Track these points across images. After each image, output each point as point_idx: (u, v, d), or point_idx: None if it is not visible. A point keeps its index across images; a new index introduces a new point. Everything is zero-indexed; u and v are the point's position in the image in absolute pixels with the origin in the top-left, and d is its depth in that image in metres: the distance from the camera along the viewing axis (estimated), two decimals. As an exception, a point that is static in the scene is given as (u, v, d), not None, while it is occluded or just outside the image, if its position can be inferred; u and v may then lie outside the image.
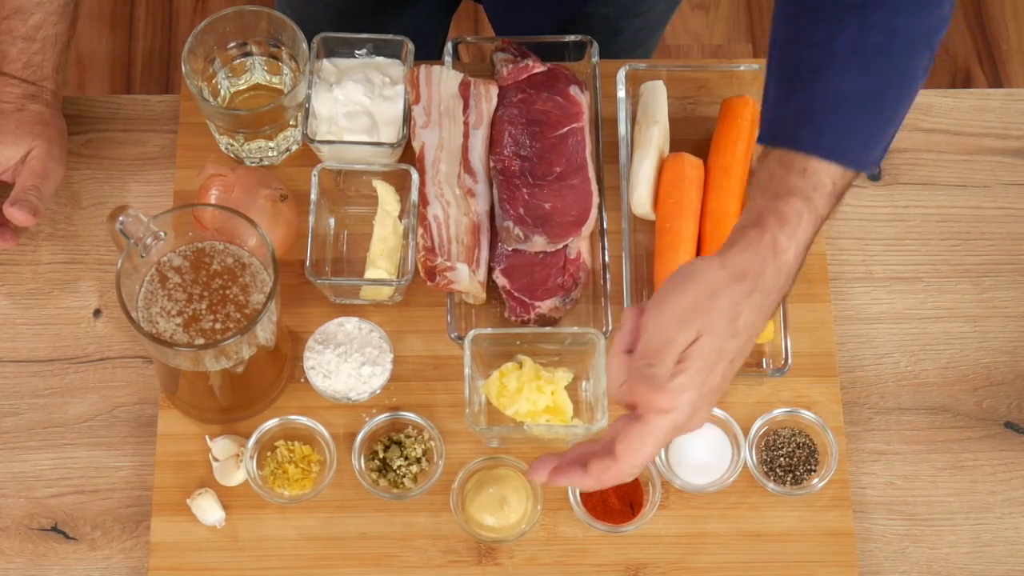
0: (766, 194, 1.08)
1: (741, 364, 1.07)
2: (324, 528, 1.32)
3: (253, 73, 1.44)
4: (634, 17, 1.64)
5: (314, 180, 1.36)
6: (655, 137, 1.41)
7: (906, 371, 1.40)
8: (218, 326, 1.21)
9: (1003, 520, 1.35)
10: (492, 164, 1.39)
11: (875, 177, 1.47)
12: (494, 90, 1.42)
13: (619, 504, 1.31)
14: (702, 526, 1.33)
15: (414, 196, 1.36)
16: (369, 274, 1.36)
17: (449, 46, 1.44)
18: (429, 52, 1.64)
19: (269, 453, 1.33)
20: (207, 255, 1.24)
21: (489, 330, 1.32)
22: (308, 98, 1.39)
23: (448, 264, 1.33)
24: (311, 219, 1.36)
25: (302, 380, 1.36)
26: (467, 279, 1.34)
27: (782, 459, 1.33)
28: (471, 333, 1.30)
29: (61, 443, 1.35)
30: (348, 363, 1.33)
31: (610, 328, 1.34)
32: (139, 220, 1.20)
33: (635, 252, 1.40)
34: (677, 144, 1.44)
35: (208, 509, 1.31)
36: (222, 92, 1.43)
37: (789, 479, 1.33)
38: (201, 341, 1.21)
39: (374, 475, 1.32)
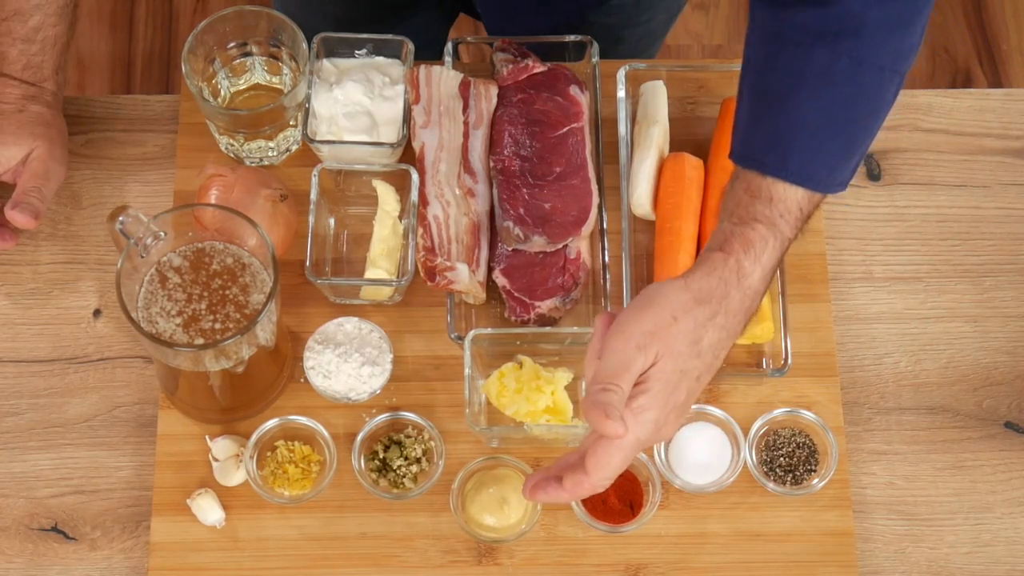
0: (732, 219, 1.10)
1: (709, 379, 1.10)
2: (324, 528, 1.32)
3: (253, 73, 1.44)
4: (635, 27, 1.64)
5: (314, 180, 1.36)
6: (655, 137, 1.41)
7: (906, 371, 1.40)
8: (218, 326, 1.21)
9: (1003, 520, 1.35)
10: (492, 164, 1.39)
11: (875, 177, 1.47)
12: (494, 90, 1.42)
13: (619, 504, 1.31)
14: (702, 526, 1.33)
15: (414, 196, 1.36)
16: (369, 274, 1.36)
17: (449, 46, 1.44)
18: (429, 60, 1.64)
19: (269, 453, 1.33)
20: (207, 255, 1.24)
21: (489, 330, 1.32)
22: (308, 98, 1.39)
23: (448, 264, 1.33)
24: (311, 219, 1.36)
25: (302, 380, 1.36)
26: (467, 279, 1.34)
27: (782, 459, 1.33)
28: (471, 333, 1.30)
29: (61, 443, 1.35)
30: (348, 363, 1.33)
31: (610, 328, 1.34)
32: (139, 220, 1.20)
33: (635, 252, 1.40)
34: (677, 144, 1.44)
35: (208, 509, 1.31)
36: (222, 92, 1.43)
37: (789, 479, 1.33)
38: (201, 341, 1.21)
39: (374, 475, 1.32)
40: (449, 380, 1.36)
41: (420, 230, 1.35)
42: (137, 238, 1.20)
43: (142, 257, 1.22)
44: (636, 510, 1.31)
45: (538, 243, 1.35)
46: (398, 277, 1.36)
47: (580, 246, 1.37)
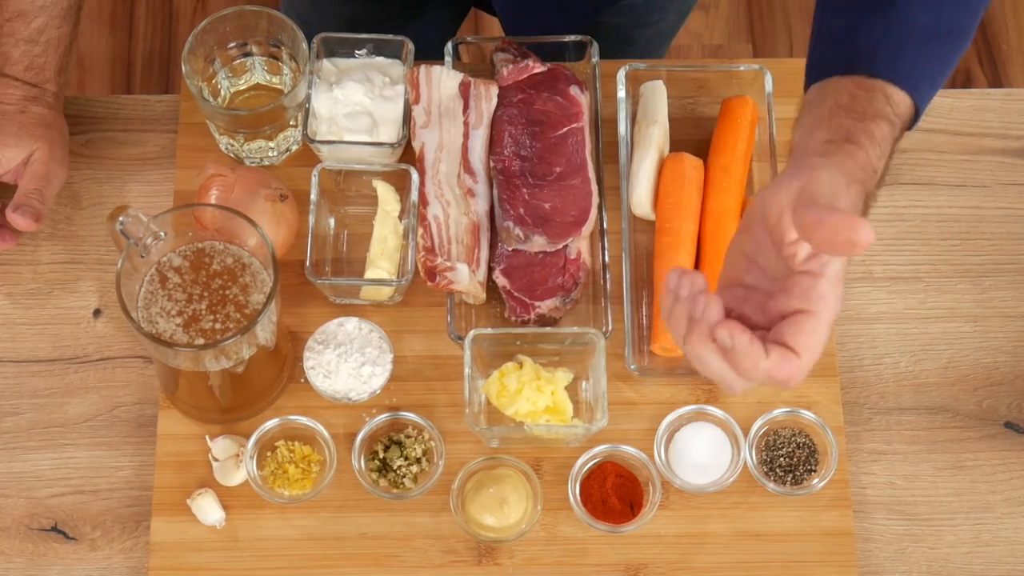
0: (852, 115, 1.00)
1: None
2: (324, 528, 1.32)
3: (253, 73, 1.44)
4: (645, 27, 1.64)
5: (314, 180, 1.36)
6: (655, 137, 1.42)
7: (906, 371, 1.40)
8: (218, 326, 1.21)
9: (1003, 520, 1.35)
10: (492, 164, 1.39)
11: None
12: (494, 90, 1.42)
13: (619, 504, 1.31)
14: (702, 526, 1.33)
15: (414, 196, 1.36)
16: (369, 274, 1.36)
17: (449, 46, 1.44)
18: (438, 59, 1.63)
19: (269, 453, 1.33)
20: (207, 255, 1.24)
21: (489, 330, 1.32)
22: (308, 98, 1.39)
23: (448, 264, 1.33)
24: (311, 219, 1.36)
25: (302, 380, 1.36)
26: (467, 279, 1.34)
27: (782, 459, 1.34)
28: (471, 333, 1.30)
29: (61, 443, 1.35)
30: (348, 363, 1.33)
31: (610, 328, 1.34)
32: (139, 220, 1.20)
33: (635, 252, 1.40)
34: (677, 144, 1.44)
35: (208, 509, 1.31)
36: (222, 92, 1.43)
37: (789, 479, 1.33)
38: (201, 341, 1.21)
39: (374, 475, 1.32)
40: (449, 380, 1.36)
41: (420, 230, 1.35)
42: (137, 238, 1.20)
43: (142, 257, 1.22)
44: (636, 510, 1.31)
45: (538, 243, 1.35)
46: (398, 277, 1.36)
47: (580, 246, 1.37)
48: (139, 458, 1.35)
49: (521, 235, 1.35)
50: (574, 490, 1.31)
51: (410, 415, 1.33)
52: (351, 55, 1.43)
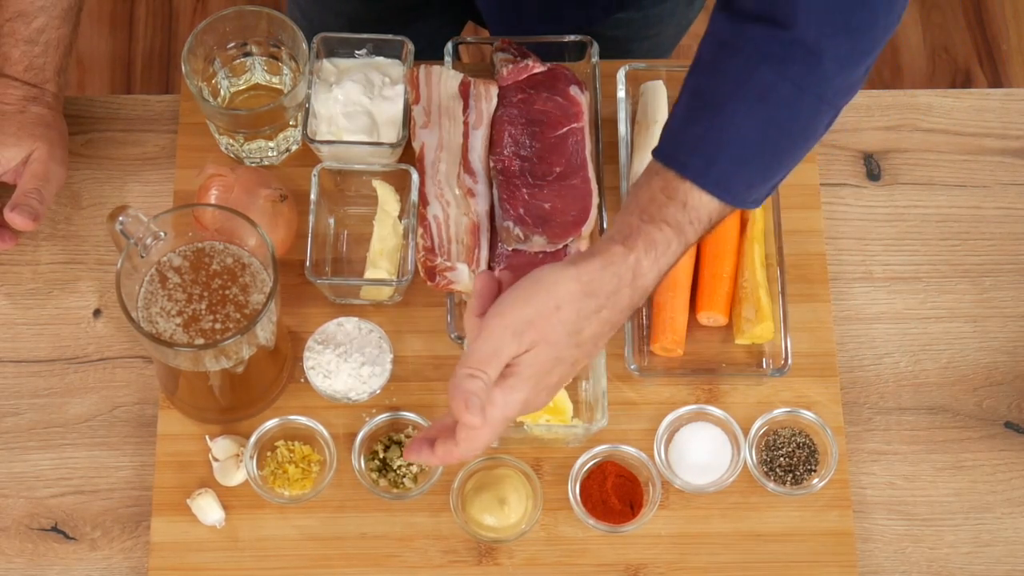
0: (642, 216, 1.09)
1: (585, 363, 1.11)
2: (324, 528, 1.32)
3: (253, 73, 1.44)
4: (643, 40, 1.64)
5: (314, 180, 1.36)
6: (655, 137, 1.41)
7: (906, 371, 1.40)
8: (218, 326, 1.21)
9: (1003, 520, 1.35)
10: (492, 164, 1.39)
11: (875, 177, 1.47)
12: (494, 90, 1.42)
13: (619, 504, 1.31)
14: (702, 526, 1.33)
15: (414, 196, 1.36)
16: (369, 274, 1.36)
17: (449, 46, 1.44)
18: (431, 61, 1.63)
19: (269, 453, 1.33)
20: (207, 255, 1.24)
21: (489, 330, 1.32)
22: (308, 98, 1.39)
23: (448, 264, 1.33)
24: (311, 219, 1.36)
25: (302, 380, 1.36)
26: (467, 279, 1.34)
27: (782, 459, 1.33)
28: (471, 333, 1.30)
29: (61, 443, 1.35)
30: (348, 363, 1.33)
31: (610, 328, 1.34)
32: (139, 220, 1.20)
33: (635, 252, 1.40)
34: (677, 144, 1.44)
35: (208, 509, 1.31)
36: (222, 92, 1.43)
37: (789, 479, 1.33)
38: (201, 341, 1.21)
39: (374, 475, 1.32)
40: (449, 380, 1.36)
41: (420, 230, 1.35)
42: (137, 238, 1.20)
43: (142, 257, 1.22)
44: (636, 510, 1.31)
45: (538, 243, 1.35)
46: (398, 277, 1.36)
47: (580, 246, 1.37)
48: (139, 458, 1.35)
49: (521, 235, 1.35)
50: (574, 490, 1.31)
51: (410, 415, 1.33)
52: (351, 55, 1.43)
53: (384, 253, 1.36)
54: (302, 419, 1.32)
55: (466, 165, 1.38)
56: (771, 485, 1.32)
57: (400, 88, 1.41)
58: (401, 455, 1.32)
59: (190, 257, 1.24)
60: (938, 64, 2.58)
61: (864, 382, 1.39)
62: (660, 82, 1.44)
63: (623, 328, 1.35)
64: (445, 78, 1.41)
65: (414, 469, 1.32)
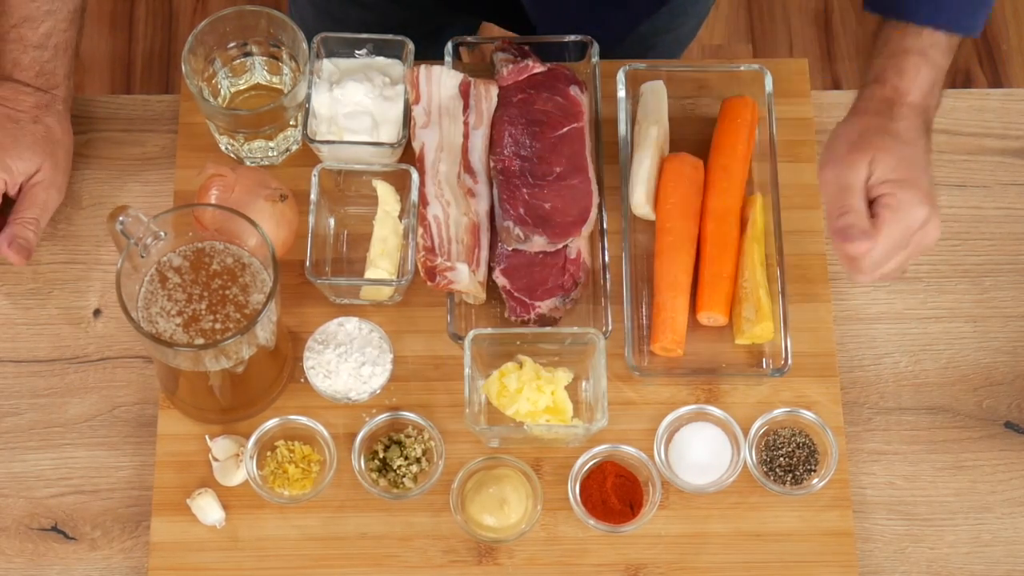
0: (883, 54, 1.24)
1: (930, 151, 1.24)
2: (324, 528, 1.32)
3: (253, 73, 1.44)
4: (668, 32, 1.65)
5: (314, 180, 1.36)
6: (655, 137, 1.42)
7: (906, 371, 1.40)
8: (218, 326, 1.21)
9: (1003, 520, 1.35)
10: (492, 164, 1.39)
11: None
12: (494, 90, 1.42)
13: (619, 504, 1.31)
14: (702, 526, 1.33)
15: (414, 196, 1.36)
16: (369, 274, 1.36)
17: (449, 46, 1.44)
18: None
19: (269, 453, 1.33)
20: (207, 255, 1.24)
21: (489, 330, 1.32)
22: (308, 98, 1.39)
23: (448, 264, 1.33)
24: (311, 219, 1.36)
25: (302, 380, 1.36)
26: (467, 279, 1.34)
27: (782, 459, 1.33)
28: (471, 333, 1.30)
29: (61, 443, 1.35)
30: (348, 363, 1.33)
31: (610, 328, 1.34)
32: (139, 220, 1.20)
33: (635, 252, 1.40)
34: (677, 144, 1.44)
35: (208, 509, 1.31)
36: (222, 92, 1.43)
37: (789, 479, 1.33)
38: (201, 341, 1.21)
39: (374, 475, 1.32)
40: (449, 380, 1.36)
41: (420, 230, 1.35)
42: (137, 238, 1.20)
43: (142, 257, 1.22)
44: (636, 510, 1.31)
45: (538, 243, 1.35)
46: (398, 277, 1.36)
47: (580, 246, 1.37)
48: (139, 458, 1.35)
49: (521, 235, 1.35)
50: (574, 490, 1.31)
51: (410, 415, 1.33)
52: (351, 55, 1.43)
53: (384, 253, 1.36)
54: (302, 419, 1.32)
55: (466, 165, 1.38)
56: (771, 485, 1.32)
57: (400, 88, 1.41)
58: (401, 455, 1.32)
59: (190, 257, 1.24)
60: (938, 64, 2.58)
61: (864, 382, 1.39)
62: (660, 82, 1.44)
63: (622, 328, 1.35)
64: (445, 78, 1.41)
65: (414, 469, 1.32)
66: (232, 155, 1.44)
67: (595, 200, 1.37)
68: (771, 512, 1.33)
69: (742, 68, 1.45)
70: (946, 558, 1.33)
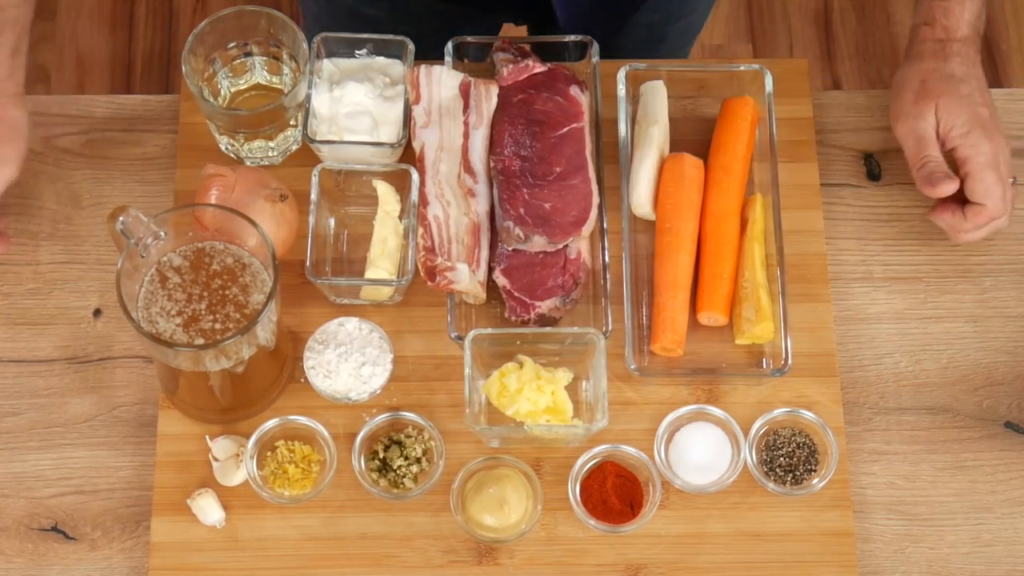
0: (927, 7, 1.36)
1: (985, 85, 1.37)
2: (324, 528, 1.32)
3: (253, 73, 1.44)
4: (677, 21, 1.64)
5: (314, 180, 1.36)
6: (655, 137, 1.42)
7: (906, 371, 1.40)
8: (218, 326, 1.21)
9: (1003, 520, 1.35)
10: (492, 164, 1.39)
11: (875, 177, 1.47)
12: (494, 90, 1.42)
13: (619, 504, 1.31)
14: (702, 526, 1.33)
15: (414, 196, 1.36)
16: (369, 274, 1.36)
17: (449, 46, 1.44)
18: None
19: (269, 453, 1.33)
20: (207, 255, 1.24)
21: (489, 330, 1.32)
22: (308, 98, 1.39)
23: (448, 264, 1.33)
24: (311, 219, 1.36)
25: (302, 380, 1.36)
26: (467, 279, 1.34)
27: (782, 459, 1.34)
28: (471, 333, 1.30)
29: (61, 443, 1.35)
30: (348, 363, 1.33)
31: (610, 328, 1.34)
32: (139, 220, 1.20)
33: (635, 252, 1.40)
34: (677, 144, 1.44)
35: (208, 509, 1.31)
36: (222, 92, 1.43)
37: (789, 479, 1.33)
38: (201, 341, 1.21)
39: (374, 475, 1.32)
40: (449, 380, 1.36)
41: (420, 230, 1.35)
42: (137, 238, 1.20)
43: (142, 257, 1.22)
44: (636, 510, 1.31)
45: (538, 243, 1.35)
46: (398, 277, 1.36)
47: (580, 246, 1.37)
48: (139, 458, 1.35)
49: (521, 235, 1.35)
50: (574, 490, 1.31)
51: (410, 415, 1.33)
52: (351, 55, 1.43)
53: (384, 253, 1.36)
54: (302, 419, 1.32)
55: (466, 165, 1.38)
56: (771, 485, 1.32)
57: (401, 88, 1.41)
58: (401, 455, 1.32)
59: (190, 257, 1.24)
60: (938, 64, 2.58)
61: (864, 382, 1.39)
62: (660, 82, 1.44)
63: (622, 328, 1.35)
64: (445, 78, 1.41)
65: (414, 469, 1.32)
66: (232, 155, 1.44)
67: (595, 200, 1.37)
68: (771, 512, 1.33)
69: (742, 68, 1.45)
70: (946, 558, 1.33)
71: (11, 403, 1.37)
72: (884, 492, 1.35)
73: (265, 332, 1.23)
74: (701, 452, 1.33)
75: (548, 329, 1.33)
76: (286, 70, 1.42)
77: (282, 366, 1.35)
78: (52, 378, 1.38)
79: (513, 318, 1.36)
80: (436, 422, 1.33)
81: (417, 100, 1.40)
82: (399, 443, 1.33)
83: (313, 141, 1.39)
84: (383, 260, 1.36)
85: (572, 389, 1.34)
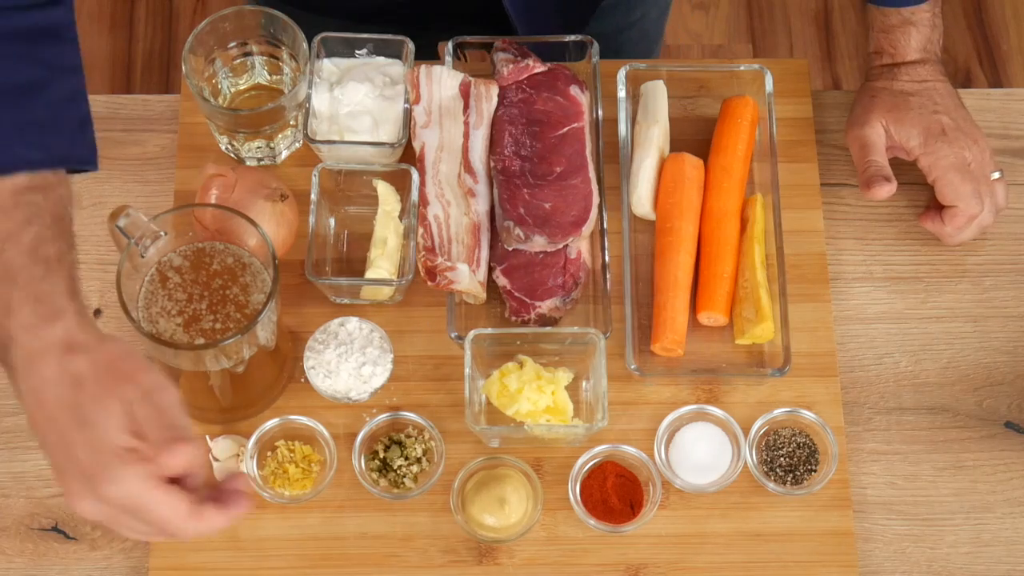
0: (875, 28, 1.42)
1: (943, 82, 1.41)
2: (324, 528, 1.32)
3: (253, 73, 1.44)
4: (631, 28, 1.64)
5: (314, 180, 1.36)
6: (655, 137, 1.42)
7: (906, 371, 1.40)
8: (218, 326, 1.21)
9: (1003, 520, 1.35)
10: (492, 164, 1.39)
11: (875, 177, 1.47)
12: (494, 90, 1.42)
13: (619, 504, 1.31)
14: (702, 526, 1.33)
15: (414, 196, 1.36)
16: (370, 274, 1.36)
17: (450, 46, 1.44)
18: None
19: (269, 453, 1.33)
20: (207, 255, 1.24)
21: (489, 330, 1.32)
22: (308, 98, 1.40)
23: (448, 264, 1.33)
24: (311, 219, 1.36)
25: (302, 380, 1.36)
26: (467, 279, 1.34)
27: (782, 459, 1.34)
28: (471, 333, 1.30)
29: (61, 443, 1.35)
30: (348, 363, 1.33)
31: (610, 328, 1.34)
32: (139, 220, 1.20)
33: (635, 252, 1.40)
34: (677, 144, 1.44)
35: (208, 509, 1.31)
36: (222, 92, 1.43)
37: (789, 479, 1.33)
38: (201, 341, 1.21)
39: (374, 475, 1.32)
40: (449, 380, 1.36)
41: (420, 230, 1.35)
42: (137, 238, 1.20)
43: (142, 257, 1.22)
44: (636, 510, 1.31)
45: (538, 243, 1.35)
46: (399, 277, 1.36)
47: (580, 246, 1.37)
48: (139, 458, 1.35)
49: (521, 235, 1.35)
50: (574, 490, 1.31)
51: (410, 415, 1.33)
52: (351, 55, 1.43)
53: (384, 253, 1.36)
54: (302, 419, 1.32)
55: (466, 165, 1.38)
56: (771, 485, 1.32)
57: (401, 88, 1.41)
58: (401, 455, 1.32)
59: (190, 257, 1.24)
60: (938, 64, 2.58)
61: (864, 382, 1.39)
62: (660, 82, 1.44)
63: (622, 328, 1.35)
64: (445, 78, 1.41)
65: (414, 469, 1.32)
66: (232, 155, 1.44)
67: (595, 200, 1.37)
68: (771, 512, 1.33)
69: (742, 68, 1.45)
70: (946, 558, 1.33)
71: (11, 403, 1.37)
72: (884, 492, 1.35)
73: (265, 332, 1.23)
74: (701, 452, 1.33)
75: (548, 329, 1.33)
76: (286, 70, 1.42)
77: (282, 366, 1.35)
78: (52, 378, 1.37)
79: (513, 318, 1.36)
80: (436, 422, 1.33)
81: (417, 100, 1.40)
82: (399, 443, 1.33)
83: (313, 141, 1.39)
84: (383, 260, 1.36)
85: (572, 389, 1.34)
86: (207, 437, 1.34)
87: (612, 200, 1.41)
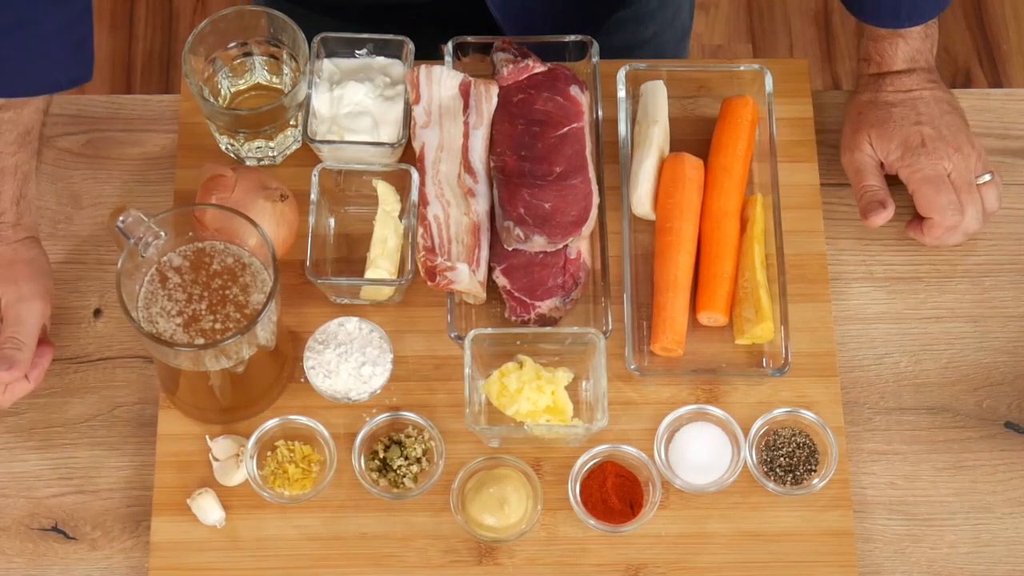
0: (866, 36, 1.43)
1: (936, 91, 1.42)
2: (324, 528, 1.32)
3: (253, 73, 1.44)
4: (643, 45, 1.64)
5: (314, 180, 1.36)
6: (655, 137, 1.42)
7: (906, 371, 1.40)
8: (218, 326, 1.21)
9: (1003, 520, 1.35)
10: (492, 164, 1.39)
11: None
12: (494, 90, 1.42)
13: (619, 504, 1.31)
14: (702, 526, 1.33)
15: (414, 196, 1.36)
16: (369, 274, 1.36)
17: (450, 46, 1.44)
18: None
19: (269, 453, 1.33)
20: (207, 255, 1.24)
21: (489, 330, 1.32)
22: (308, 98, 1.40)
23: (448, 264, 1.33)
24: (311, 219, 1.36)
25: (302, 380, 1.36)
26: (467, 279, 1.34)
27: (782, 459, 1.34)
28: (471, 333, 1.30)
29: (61, 443, 1.35)
30: (348, 363, 1.33)
31: (610, 328, 1.34)
32: (139, 220, 1.20)
33: (635, 252, 1.40)
34: (677, 144, 1.44)
35: (208, 509, 1.31)
36: (222, 92, 1.43)
37: (789, 479, 1.33)
38: (201, 341, 1.21)
39: (374, 475, 1.32)
40: (449, 380, 1.36)
41: (420, 230, 1.35)
42: (137, 238, 1.20)
43: (142, 257, 1.22)
44: (636, 510, 1.31)
45: (538, 243, 1.35)
46: (398, 277, 1.36)
47: (580, 246, 1.37)
48: (139, 458, 1.35)
49: (521, 235, 1.35)
50: (574, 490, 1.31)
51: (410, 415, 1.33)
52: (351, 55, 1.43)
53: (384, 253, 1.36)
54: (302, 419, 1.32)
55: (466, 165, 1.38)
56: (771, 485, 1.32)
57: (401, 88, 1.41)
58: (401, 455, 1.32)
59: (190, 257, 1.24)
60: (938, 64, 2.58)
61: (864, 382, 1.39)
62: (660, 82, 1.44)
63: (622, 328, 1.35)
64: (445, 78, 1.41)
65: (414, 469, 1.32)
66: (232, 155, 1.44)
67: (595, 200, 1.37)
68: (771, 512, 1.33)
69: (742, 68, 1.45)
70: (946, 558, 1.33)
71: (11, 403, 1.37)
72: (884, 492, 1.35)
73: (265, 332, 1.23)
74: (701, 452, 1.33)
75: (548, 329, 1.33)
76: (286, 70, 1.42)
77: (282, 366, 1.35)
78: (52, 378, 1.38)
79: (513, 318, 1.36)
80: (436, 422, 1.33)
81: (417, 100, 1.40)
82: (399, 443, 1.33)
83: (313, 141, 1.39)
84: (383, 260, 1.36)
85: (572, 389, 1.34)
86: (207, 437, 1.34)
87: (612, 200, 1.41)
